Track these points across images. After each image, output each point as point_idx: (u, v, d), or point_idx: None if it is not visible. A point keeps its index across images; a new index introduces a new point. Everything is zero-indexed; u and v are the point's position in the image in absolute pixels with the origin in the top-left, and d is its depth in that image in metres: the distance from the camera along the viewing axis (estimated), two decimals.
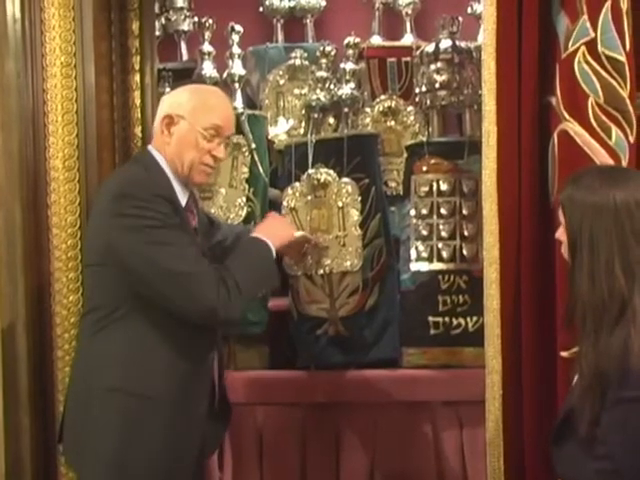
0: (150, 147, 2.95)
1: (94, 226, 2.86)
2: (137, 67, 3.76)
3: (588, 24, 2.98)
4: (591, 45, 2.98)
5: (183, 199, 2.92)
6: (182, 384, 2.80)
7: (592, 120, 2.97)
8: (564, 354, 2.80)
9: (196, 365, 2.88)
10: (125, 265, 2.73)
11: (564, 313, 2.39)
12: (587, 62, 2.98)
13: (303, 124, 4.60)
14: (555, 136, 3.03)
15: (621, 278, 2.26)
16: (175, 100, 2.90)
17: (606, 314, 2.27)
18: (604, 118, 2.96)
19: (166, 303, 2.72)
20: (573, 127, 2.99)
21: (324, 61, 4.46)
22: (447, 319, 3.97)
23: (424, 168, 4.09)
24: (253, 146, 4.14)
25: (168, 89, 3.23)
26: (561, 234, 2.44)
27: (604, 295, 2.27)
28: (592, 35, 2.98)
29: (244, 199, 4.11)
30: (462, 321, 3.95)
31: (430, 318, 3.98)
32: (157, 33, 4.34)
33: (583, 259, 2.31)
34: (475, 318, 3.90)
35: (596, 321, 2.28)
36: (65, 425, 2.92)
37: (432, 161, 4.09)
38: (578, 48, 2.99)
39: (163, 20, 4.97)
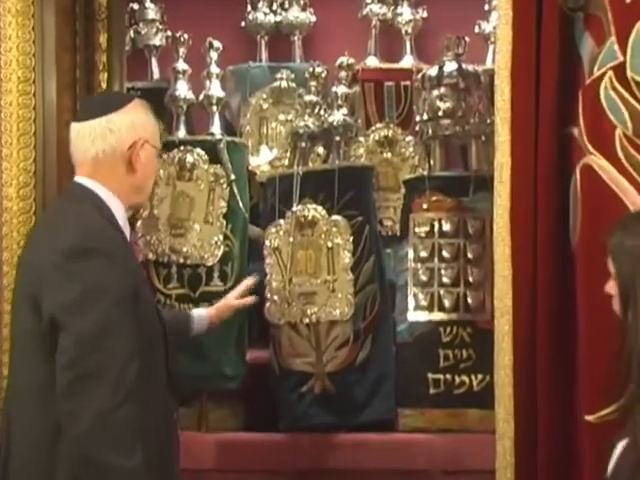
0: (87, 181, 2.77)
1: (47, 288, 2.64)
2: (104, 85, 3.72)
3: (616, 46, 2.98)
4: (619, 70, 2.97)
5: (127, 233, 2.87)
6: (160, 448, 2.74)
7: (620, 154, 2.96)
8: (589, 418, 2.79)
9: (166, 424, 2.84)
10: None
11: (613, 372, 2.34)
12: (614, 89, 2.98)
13: (288, 154, 4.60)
14: (577, 171, 3.02)
15: None
16: (133, 121, 2.79)
17: None
18: (633, 152, 2.96)
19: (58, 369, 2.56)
20: (598, 161, 2.99)
21: (313, 83, 4.49)
22: (449, 376, 3.97)
23: (424, 205, 4.11)
24: (232, 177, 4.13)
25: None
26: (611, 287, 2.42)
27: None
28: (620, 59, 2.97)
29: (221, 237, 4.09)
30: (466, 379, 3.95)
31: (430, 375, 3.98)
32: (125, 48, 4.31)
33: (638, 312, 2.29)
34: (480, 376, 3.90)
35: None
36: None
37: (433, 198, 4.11)
38: (604, 73, 2.99)
39: (132, 33, 4.95)
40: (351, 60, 4.60)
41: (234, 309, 3.63)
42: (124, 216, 2.83)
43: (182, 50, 4.63)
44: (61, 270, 2.59)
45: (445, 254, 4.05)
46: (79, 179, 2.80)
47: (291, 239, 4.04)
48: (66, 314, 2.55)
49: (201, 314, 3.52)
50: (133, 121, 2.80)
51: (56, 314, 2.56)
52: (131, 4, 4.92)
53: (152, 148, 2.84)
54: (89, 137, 2.77)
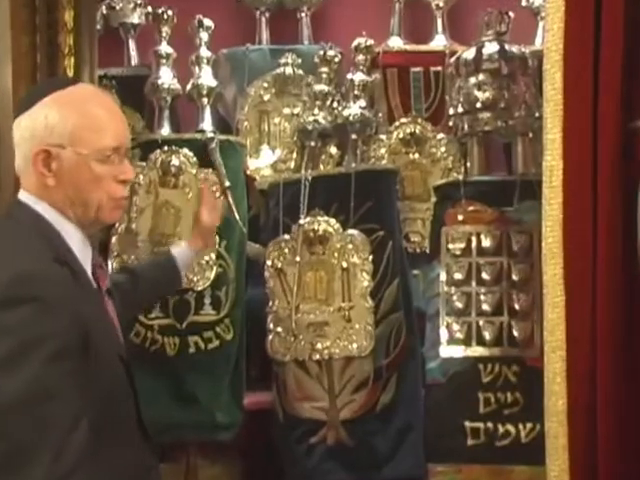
0: (30, 198, 2.72)
1: None
2: (70, 72, 3.72)
3: None
4: None
5: (87, 258, 2.81)
6: None
7: None
8: None
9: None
10: None
11: None
12: None
13: (295, 155, 4.63)
14: None
15: None
16: (43, 124, 2.74)
17: None
18: None
19: None
20: None
21: (325, 70, 4.53)
22: (490, 425, 3.95)
23: (459, 217, 4.12)
24: (227, 184, 4.15)
25: None
26: None
27: None
28: None
29: (213, 256, 4.11)
30: (511, 428, 3.94)
31: (467, 423, 3.97)
32: (97, 27, 4.32)
33: None
34: (529, 425, 3.90)
35: None
36: None
37: (470, 208, 4.12)
38: None
39: (104, 9, 4.96)
40: (370, 41, 4.64)
41: (211, 230, 3.72)
42: (81, 239, 2.74)
43: (165, 30, 4.65)
44: None
45: (485, 276, 4.06)
46: (23, 195, 2.73)
47: (298, 258, 4.06)
48: None
49: (183, 253, 3.58)
50: (34, 126, 2.66)
51: None
52: None
53: (76, 155, 2.67)
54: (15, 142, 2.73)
